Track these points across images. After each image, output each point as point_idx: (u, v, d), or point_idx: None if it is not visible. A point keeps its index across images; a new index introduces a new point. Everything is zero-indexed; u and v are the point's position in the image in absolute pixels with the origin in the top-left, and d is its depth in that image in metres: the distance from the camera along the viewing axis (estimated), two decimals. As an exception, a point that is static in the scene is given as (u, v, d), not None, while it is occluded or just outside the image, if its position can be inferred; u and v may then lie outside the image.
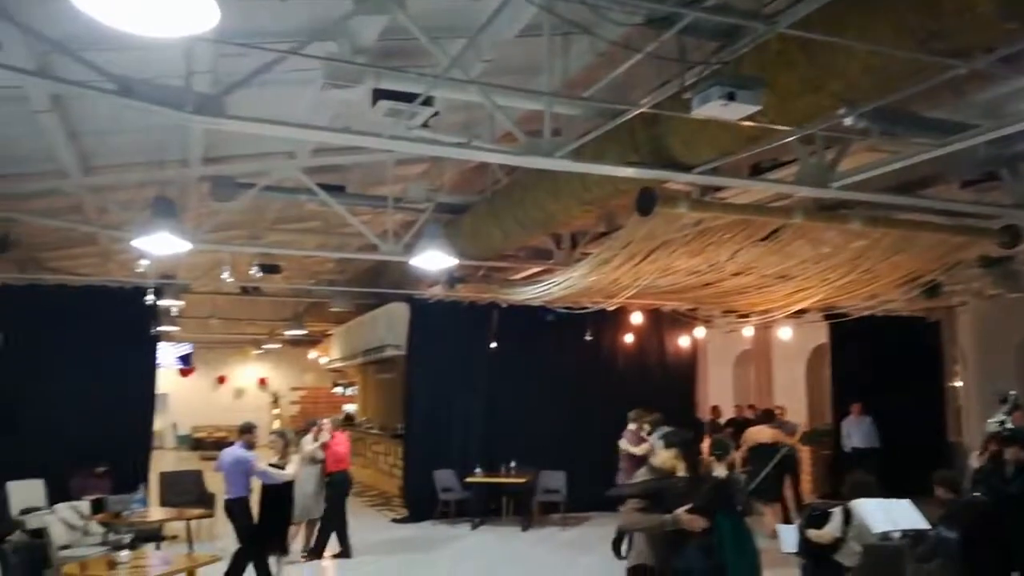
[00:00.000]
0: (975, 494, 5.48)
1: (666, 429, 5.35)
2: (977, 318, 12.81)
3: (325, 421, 10.14)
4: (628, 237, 7.85)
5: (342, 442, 10.20)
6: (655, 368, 14.23)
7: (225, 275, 10.49)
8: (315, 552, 9.75)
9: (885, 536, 6.45)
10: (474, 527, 11.79)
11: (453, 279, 11.19)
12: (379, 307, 15.02)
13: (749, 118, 4.43)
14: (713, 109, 4.20)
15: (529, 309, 12.12)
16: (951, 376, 13.31)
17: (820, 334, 14.29)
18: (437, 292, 12.40)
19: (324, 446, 9.72)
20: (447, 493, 12.07)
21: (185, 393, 25.95)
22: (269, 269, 11.94)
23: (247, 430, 8.50)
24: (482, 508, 12.12)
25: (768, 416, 11.75)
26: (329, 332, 21.10)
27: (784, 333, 13.93)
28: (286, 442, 8.69)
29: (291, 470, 8.40)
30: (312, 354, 26.04)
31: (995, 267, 9.10)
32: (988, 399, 9.78)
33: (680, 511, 4.66)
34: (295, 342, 25.05)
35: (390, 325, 14.40)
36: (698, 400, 15.06)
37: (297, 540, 9.63)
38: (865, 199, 6.67)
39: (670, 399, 12.99)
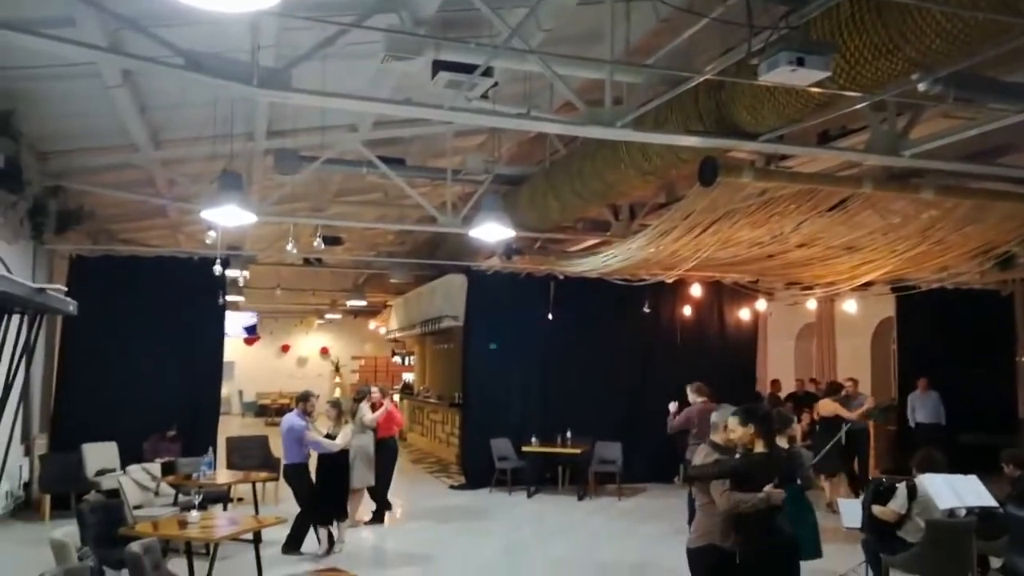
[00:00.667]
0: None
1: (727, 406, 5.23)
2: (1053, 292, 12.32)
3: (374, 389, 10.37)
4: (689, 208, 7.74)
5: (392, 409, 10.48)
6: (714, 341, 14.07)
7: (289, 246, 10.70)
8: (382, 512, 10.13)
9: (951, 513, 6.31)
10: (530, 495, 11.91)
11: (510, 251, 11.22)
12: (437, 278, 15.16)
13: (818, 84, 4.31)
14: (781, 75, 4.09)
15: (587, 281, 12.08)
16: (1023, 351, 12.85)
17: (886, 307, 13.92)
18: (494, 263, 12.46)
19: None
20: (503, 462, 12.20)
21: (250, 361, 26.71)
22: (331, 241, 12.16)
23: (304, 399, 8.70)
24: (538, 477, 12.24)
25: (834, 389, 11.52)
26: (388, 303, 21.42)
27: (849, 306, 13.60)
28: (339, 411, 8.78)
29: (341, 440, 8.47)
30: (372, 324, 26.50)
31: (1075, 238, 8.71)
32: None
33: (770, 488, 4.59)
34: (355, 312, 25.50)
35: (448, 296, 14.53)
36: (758, 374, 14.85)
37: (362, 505, 9.92)
38: (938, 168, 6.44)
39: (730, 372, 12.84)
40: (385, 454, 10.15)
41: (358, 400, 10.28)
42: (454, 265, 13.48)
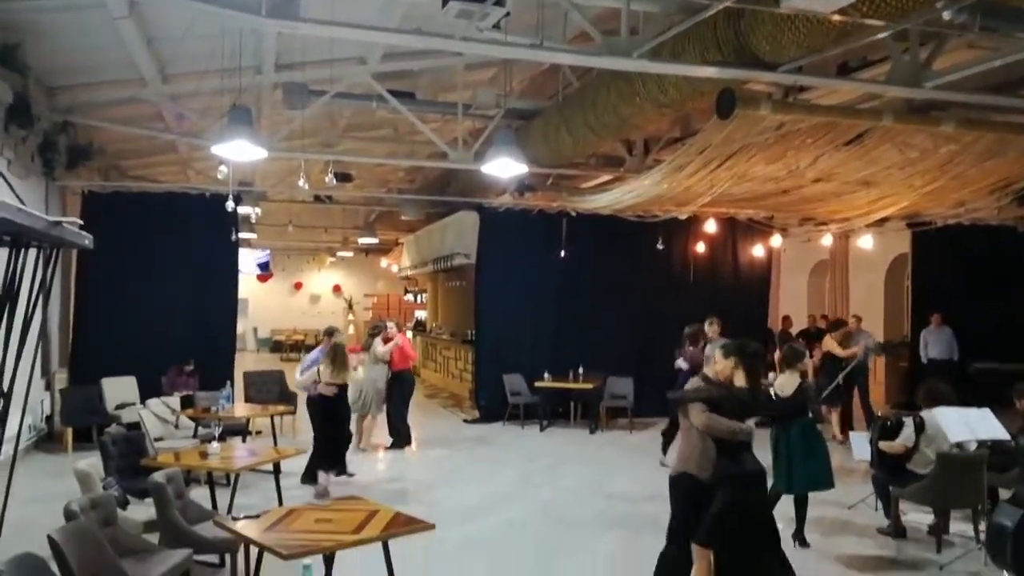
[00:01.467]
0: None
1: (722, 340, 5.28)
2: (1072, 227, 12.16)
3: (390, 324, 10.52)
4: (705, 142, 7.62)
5: (405, 343, 10.63)
6: (728, 277, 14.04)
7: (300, 182, 10.65)
8: (402, 442, 10.40)
9: (960, 445, 6.37)
10: (543, 429, 12.09)
11: (523, 187, 11.13)
12: (449, 215, 15.10)
13: (840, 12, 4.19)
14: (803, 2, 3.97)
15: (600, 218, 12.01)
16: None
17: (901, 243, 13.81)
18: (506, 200, 12.38)
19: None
20: (516, 397, 12.36)
21: (264, 298, 26.92)
22: (342, 177, 12.09)
23: (329, 333, 8.71)
24: (550, 412, 12.40)
25: (836, 326, 11.56)
26: (400, 240, 21.40)
27: (864, 242, 13.48)
28: (335, 355, 8.09)
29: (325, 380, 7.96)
30: (384, 262, 26.55)
31: (1098, 172, 8.55)
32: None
33: (751, 423, 4.65)
34: (367, 250, 25.53)
35: (460, 233, 14.50)
36: (771, 311, 14.85)
37: (376, 432, 10.27)
38: (960, 100, 6.30)
39: (743, 309, 12.85)
40: (402, 386, 10.44)
41: (373, 335, 10.45)
42: (466, 202, 13.40)
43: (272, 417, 10.00)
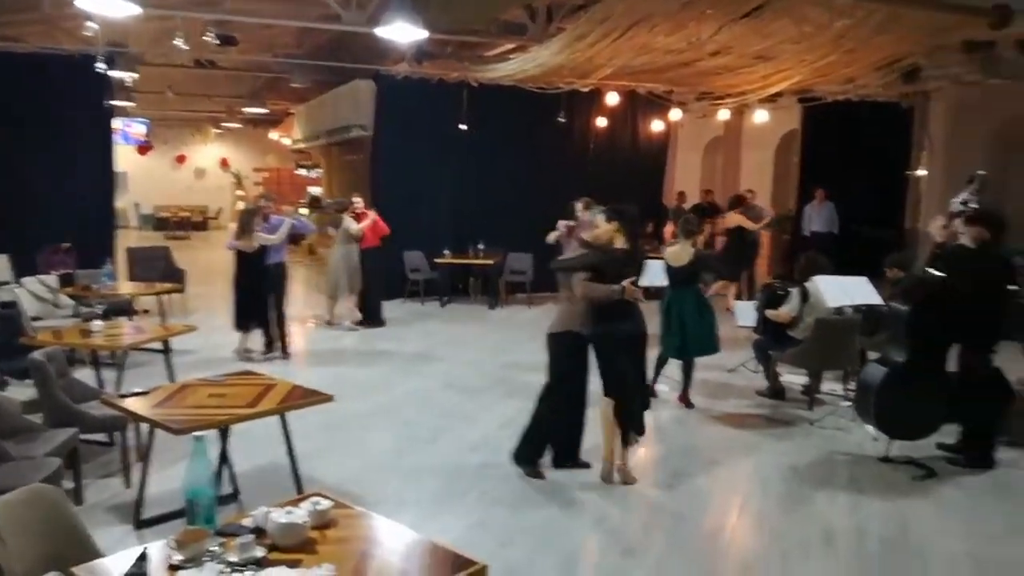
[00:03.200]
0: (930, 270, 5.68)
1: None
2: (950, 105, 12.71)
3: (356, 199, 10.38)
4: (606, 11, 7.43)
5: (378, 220, 10.43)
6: (626, 152, 14.12)
7: (178, 42, 9.84)
8: (373, 321, 10.40)
9: (838, 311, 6.77)
10: (443, 305, 12.16)
11: (421, 54, 10.68)
12: (343, 84, 14.42)
13: None
14: None
15: (502, 89, 11.71)
16: (916, 164, 13.41)
17: (791, 121, 14.16)
18: (404, 69, 11.87)
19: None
20: (416, 273, 12.31)
21: (145, 172, 25.41)
22: (225, 40, 11.22)
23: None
24: (450, 288, 12.44)
25: (737, 202, 11.92)
26: (291, 111, 20.43)
27: (759, 117, 13.74)
28: (249, 218, 8.43)
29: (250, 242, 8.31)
30: (274, 134, 25.37)
31: (978, 51, 8.86)
32: (953, 186, 9.93)
33: (627, 283, 4.82)
34: (255, 121, 24.31)
35: (355, 104, 13.91)
36: (666, 186, 15.12)
37: (347, 310, 10.34)
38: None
39: (639, 183, 13.03)
40: (373, 263, 10.36)
41: (340, 211, 10.25)
42: (361, 69, 12.79)
43: (160, 296, 9.63)
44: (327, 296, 10.27)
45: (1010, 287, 5.82)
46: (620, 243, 5.03)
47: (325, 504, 2.72)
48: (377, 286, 10.55)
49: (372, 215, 10.28)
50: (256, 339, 8.58)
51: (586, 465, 5.36)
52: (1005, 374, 5.96)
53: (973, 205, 5.32)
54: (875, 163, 13.04)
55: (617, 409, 5.08)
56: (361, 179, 14.49)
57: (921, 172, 13.37)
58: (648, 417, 5.39)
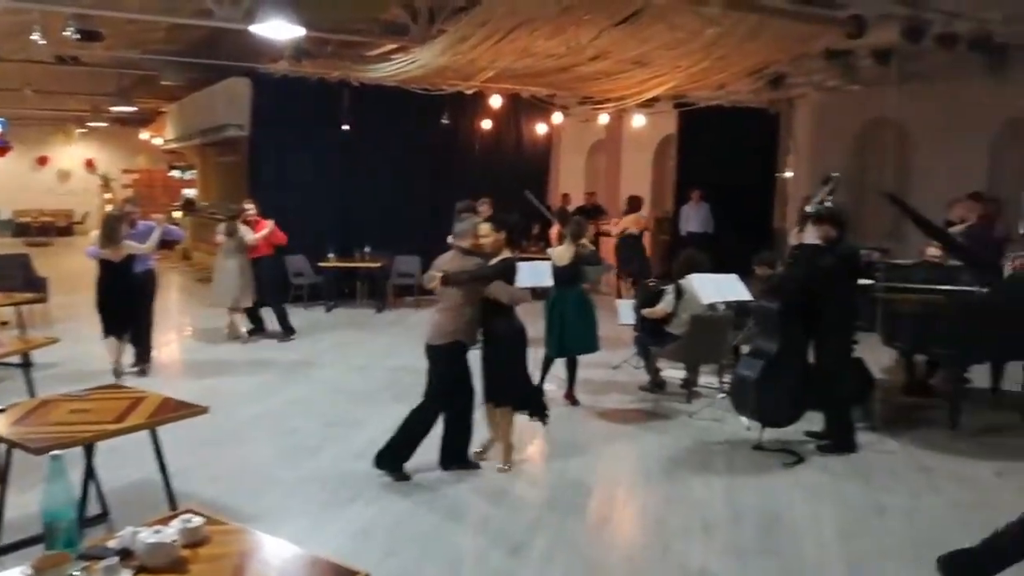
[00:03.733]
0: (791, 269, 6.02)
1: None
2: (813, 110, 13.47)
3: (248, 206, 10.03)
4: (487, 14, 7.46)
5: (276, 230, 10.06)
6: (511, 154, 14.25)
7: (35, 36, 9.22)
8: (287, 332, 10.00)
9: (712, 307, 7.05)
10: (328, 310, 11.91)
11: (300, 52, 10.40)
12: (217, 82, 13.88)
13: None
14: None
15: (384, 90, 11.57)
16: (783, 166, 14.14)
17: (668, 125, 14.65)
18: (282, 67, 11.52)
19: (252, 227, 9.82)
20: (299, 278, 12.00)
21: (2, 175, 23.68)
22: (87, 35, 10.59)
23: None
24: (336, 292, 12.19)
25: (635, 206, 12.28)
26: (162, 110, 19.48)
27: (636, 121, 14.15)
28: (116, 224, 7.78)
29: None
30: (144, 134, 24.14)
31: (838, 59, 9.45)
32: (817, 187, 10.53)
33: (519, 287, 5.01)
34: (123, 120, 23.02)
35: (230, 102, 13.40)
36: (551, 188, 15.35)
37: (240, 322, 9.91)
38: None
39: (524, 185, 13.10)
40: (270, 273, 10.08)
41: (233, 218, 9.78)
42: (236, 67, 12.34)
43: (19, 306, 8.97)
44: (228, 308, 9.76)
45: (863, 281, 6.24)
46: (507, 252, 5.22)
47: (197, 521, 2.61)
48: (278, 296, 10.25)
49: (270, 224, 9.94)
50: (128, 351, 8.12)
51: (476, 466, 5.38)
52: (866, 363, 6.38)
53: (828, 205, 5.64)
54: (747, 166, 13.65)
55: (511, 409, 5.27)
56: (239, 181, 13.99)
57: (788, 174, 14.11)
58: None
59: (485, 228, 5.27)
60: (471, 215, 9.18)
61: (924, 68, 9.66)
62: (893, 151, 12.57)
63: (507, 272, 5.14)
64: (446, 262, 5.26)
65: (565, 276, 6.83)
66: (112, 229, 7.66)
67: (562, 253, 6.85)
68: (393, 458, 5.20)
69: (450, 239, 5.48)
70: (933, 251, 7.68)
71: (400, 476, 5.19)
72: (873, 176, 12.61)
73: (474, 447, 5.53)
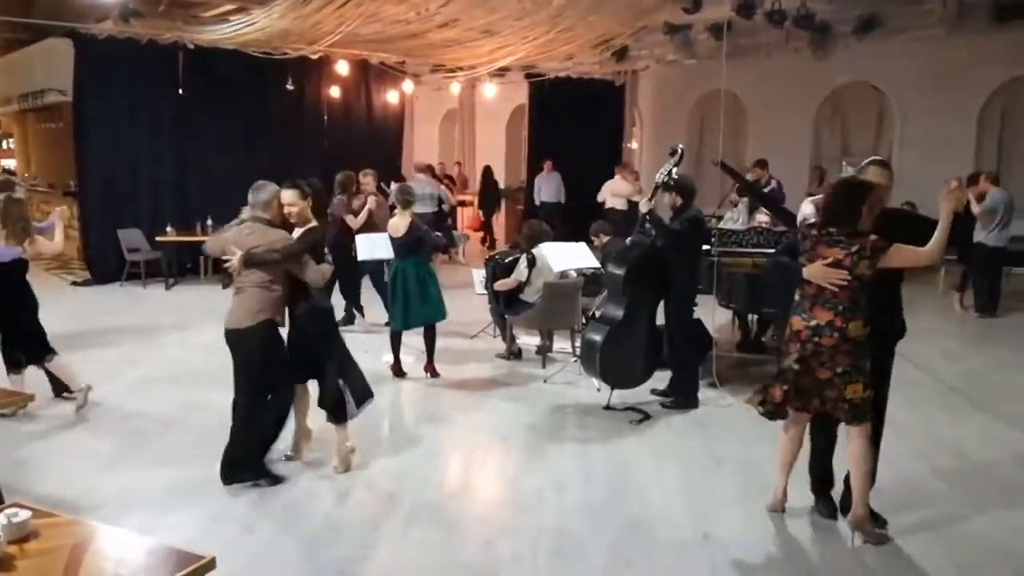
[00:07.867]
0: (641, 235, 6.26)
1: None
2: (656, 83, 14.00)
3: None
4: (331, -25, 7.24)
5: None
6: (362, 123, 13.92)
7: None
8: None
9: (563, 275, 7.25)
10: (168, 287, 11.28)
11: (127, 12, 9.71)
12: (35, 43, 12.74)
13: None
14: None
15: (222, 52, 10.97)
16: (630, 137, 14.64)
17: (520, 96, 14.79)
18: (108, 27, 10.70)
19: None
20: (134, 254, 11.28)
21: None
22: None
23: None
24: (177, 268, 11.57)
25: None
26: (-29, 72, 17.66)
27: (488, 91, 14.19)
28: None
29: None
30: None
31: (676, 34, 9.84)
32: (658, 157, 10.97)
33: (326, 265, 4.71)
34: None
35: (51, 66, 12.36)
36: (405, 157, 15.16)
37: None
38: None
39: (377, 155, 12.90)
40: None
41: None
42: (56, 27, 11.34)
43: None
44: None
45: (704, 246, 6.58)
46: (313, 221, 4.77)
47: (24, 515, 2.43)
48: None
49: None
50: None
51: (279, 478, 4.80)
52: (704, 323, 6.76)
53: (675, 176, 5.90)
54: (596, 136, 14.04)
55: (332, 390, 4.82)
56: (64, 149, 12.95)
57: (634, 145, 14.63)
58: (393, 389, 5.42)
59: (290, 195, 4.67)
60: (348, 186, 8.69)
61: (756, 43, 10.25)
62: (728, 122, 13.31)
63: (316, 247, 4.69)
64: (243, 236, 4.63)
65: (403, 247, 6.75)
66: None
67: (397, 224, 6.75)
68: (253, 465, 4.69)
69: (246, 211, 4.77)
70: (763, 218, 8.21)
71: (273, 480, 4.71)
72: (709, 146, 13.30)
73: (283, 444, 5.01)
